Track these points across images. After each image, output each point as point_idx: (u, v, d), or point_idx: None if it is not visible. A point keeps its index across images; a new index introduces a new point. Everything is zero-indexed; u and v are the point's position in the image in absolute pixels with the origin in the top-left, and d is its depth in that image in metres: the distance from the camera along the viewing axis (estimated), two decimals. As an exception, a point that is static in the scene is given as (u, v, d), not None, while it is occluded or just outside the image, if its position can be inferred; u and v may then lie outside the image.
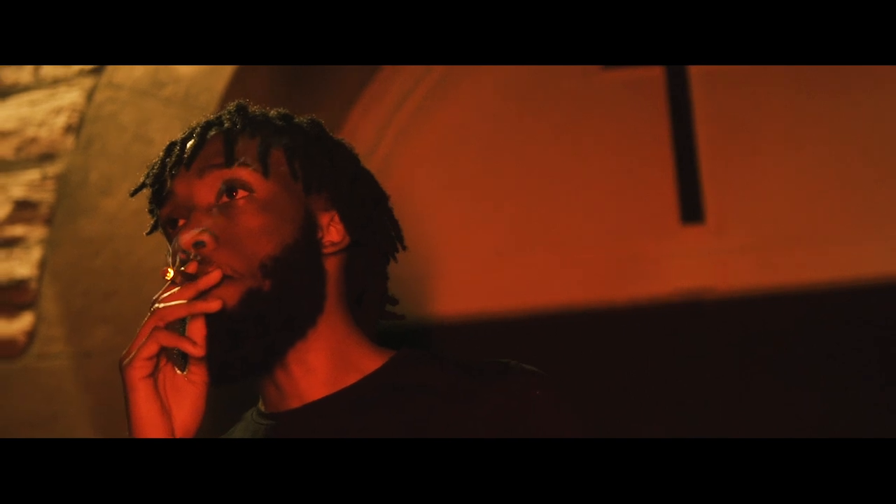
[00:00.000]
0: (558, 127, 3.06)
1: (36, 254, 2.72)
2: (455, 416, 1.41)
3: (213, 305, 1.38)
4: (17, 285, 2.71)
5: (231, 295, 1.39)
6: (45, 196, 2.75)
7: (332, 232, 1.50)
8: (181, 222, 1.46)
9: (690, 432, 2.78)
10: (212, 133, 1.49)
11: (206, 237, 1.41)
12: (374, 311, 1.59)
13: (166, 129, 2.67)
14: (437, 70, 3.09)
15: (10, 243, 2.76)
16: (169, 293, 1.40)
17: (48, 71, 2.87)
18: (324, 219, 1.50)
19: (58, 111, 2.81)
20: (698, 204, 2.95)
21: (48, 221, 2.74)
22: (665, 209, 2.94)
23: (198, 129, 1.51)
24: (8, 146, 2.84)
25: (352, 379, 1.47)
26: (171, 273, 1.41)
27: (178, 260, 1.42)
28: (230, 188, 1.45)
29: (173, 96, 2.72)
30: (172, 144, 1.51)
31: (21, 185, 2.79)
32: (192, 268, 1.40)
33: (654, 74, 2.99)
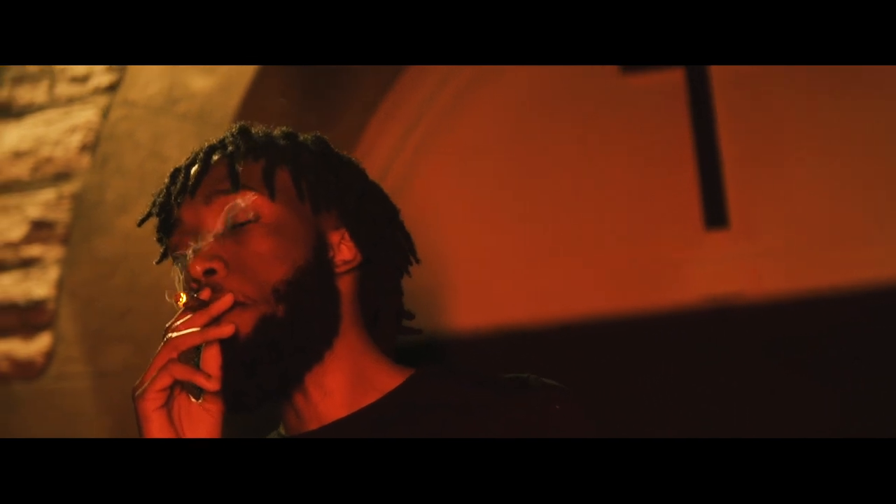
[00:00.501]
0: (579, 133, 3.02)
1: (53, 274, 2.71)
2: (475, 433, 1.39)
3: (227, 331, 1.36)
4: (35, 306, 2.70)
5: (245, 322, 1.37)
6: (62, 216, 2.74)
7: (344, 250, 1.47)
8: (190, 250, 1.44)
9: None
10: (215, 158, 1.47)
11: (216, 264, 1.39)
12: (390, 327, 1.56)
13: (182, 145, 2.65)
14: (460, 74, 3.06)
15: (28, 264, 2.75)
16: (181, 321, 1.38)
17: (63, 90, 2.86)
18: (334, 237, 1.47)
19: (73, 130, 2.80)
20: (722, 208, 2.90)
21: (65, 241, 2.72)
22: (688, 214, 2.89)
23: (201, 155, 1.48)
24: (24, 166, 2.83)
25: (370, 398, 1.45)
26: (183, 299, 1.39)
27: (189, 288, 1.40)
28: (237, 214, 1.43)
29: (188, 112, 2.70)
30: (177, 171, 1.49)
31: (37, 204, 2.78)
32: (204, 294, 1.38)
33: (676, 77, 2.95)
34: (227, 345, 1.36)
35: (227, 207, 1.42)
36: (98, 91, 2.82)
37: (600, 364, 2.84)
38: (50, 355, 2.66)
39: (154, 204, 1.50)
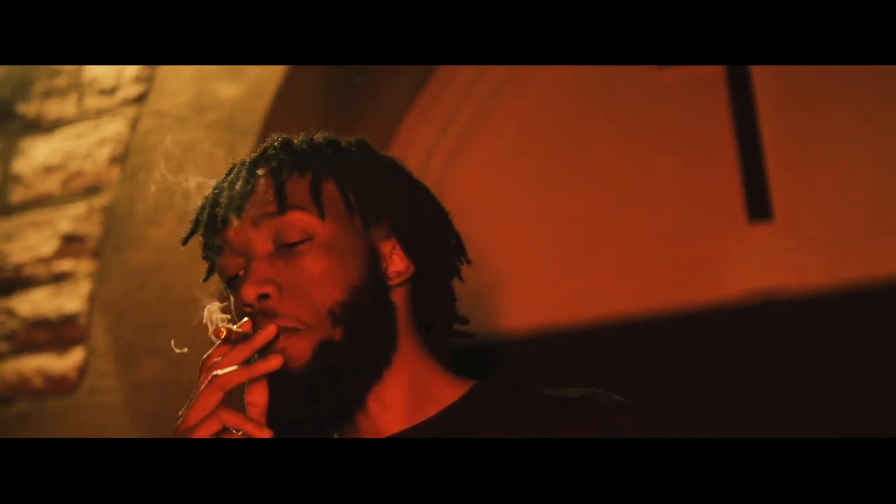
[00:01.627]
0: (617, 128, 2.97)
1: (85, 288, 2.70)
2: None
3: (274, 363, 1.33)
4: (68, 321, 2.70)
5: (301, 349, 1.34)
6: (93, 229, 2.73)
7: (396, 261, 1.44)
8: (240, 272, 1.40)
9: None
10: (260, 174, 1.42)
11: (269, 288, 1.36)
12: (445, 334, 1.51)
13: (211, 154, 2.63)
14: (494, 73, 3.01)
15: (59, 279, 2.75)
16: (222, 354, 1.35)
17: (92, 102, 2.85)
18: (385, 248, 1.44)
19: (102, 143, 2.80)
20: (766, 201, 2.84)
21: (96, 254, 2.72)
22: (731, 208, 2.83)
23: (244, 172, 1.43)
24: (54, 181, 2.83)
25: (430, 411, 1.42)
26: (224, 333, 1.36)
27: (242, 312, 1.37)
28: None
29: (216, 121, 2.68)
30: (219, 189, 1.45)
31: (68, 219, 2.78)
32: (245, 326, 1.35)
33: (715, 69, 2.89)
34: (282, 374, 1.33)
35: (276, 229, 1.38)
36: (126, 102, 2.81)
37: (641, 363, 2.79)
38: (83, 370, 2.65)
39: (197, 222, 1.47)
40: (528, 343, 2.91)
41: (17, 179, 2.88)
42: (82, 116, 2.85)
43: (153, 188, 2.68)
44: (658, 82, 2.93)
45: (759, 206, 2.84)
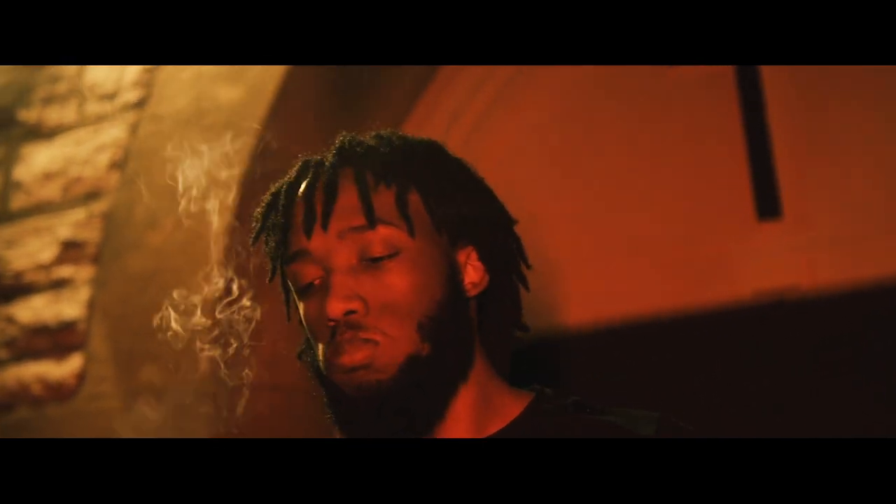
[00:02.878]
0: (625, 127, 2.93)
1: (84, 294, 2.68)
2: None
3: None
4: (67, 327, 2.68)
5: (387, 362, 1.32)
6: (92, 235, 2.72)
7: (471, 271, 1.41)
8: (315, 281, 1.37)
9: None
10: (342, 182, 1.37)
11: (357, 304, 1.33)
12: (508, 344, 1.48)
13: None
14: (499, 72, 2.98)
15: (59, 285, 2.73)
16: None
17: (92, 108, 2.84)
18: (461, 257, 1.41)
19: (102, 148, 2.78)
20: (775, 199, 2.79)
21: (95, 260, 2.69)
22: (740, 206, 2.79)
23: (324, 178, 1.38)
24: (54, 187, 2.81)
25: (495, 426, 1.40)
26: None
27: (325, 326, 1.34)
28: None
29: (215, 124, 2.65)
30: (291, 190, 1.40)
31: (68, 225, 2.76)
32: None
33: (725, 67, 2.85)
34: (369, 387, 1.31)
35: (362, 243, 1.35)
36: (126, 107, 2.79)
37: (651, 363, 2.74)
38: (82, 376, 2.62)
39: (266, 224, 1.42)
40: (536, 343, 2.87)
41: (18, 186, 2.87)
42: (83, 122, 2.84)
43: (151, 193, 2.67)
44: (667, 81, 2.89)
45: (768, 204, 2.79)
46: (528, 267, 1.50)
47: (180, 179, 2.63)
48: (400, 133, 1.45)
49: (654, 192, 2.86)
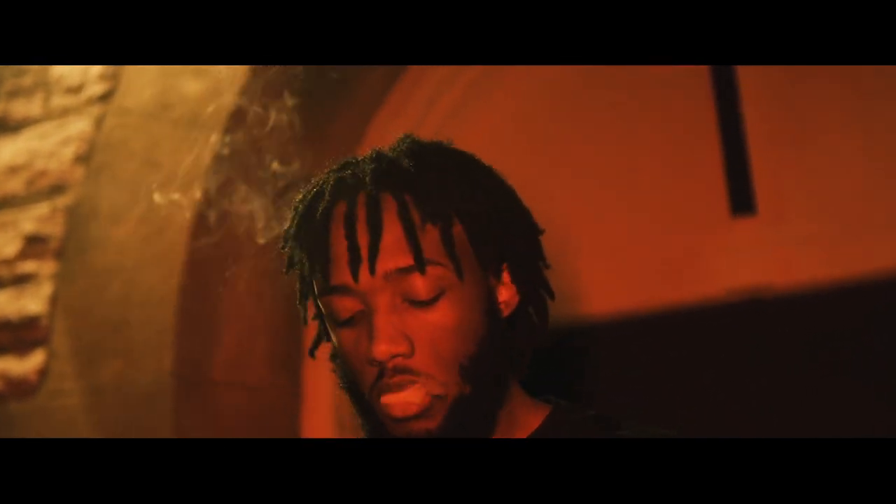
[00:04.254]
0: (599, 120, 2.90)
1: (47, 289, 2.64)
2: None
3: None
4: (29, 322, 2.64)
5: (437, 410, 1.30)
6: (56, 229, 2.68)
7: (503, 291, 1.37)
8: (357, 316, 1.32)
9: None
10: (383, 214, 1.31)
11: (404, 347, 1.29)
12: (530, 357, 1.43)
13: (175, 151, 2.57)
14: (468, 72, 2.94)
15: (22, 280, 2.70)
16: None
17: (58, 101, 2.80)
18: (493, 280, 1.36)
19: (67, 142, 2.74)
20: (749, 194, 2.76)
21: (59, 255, 2.65)
22: (713, 201, 2.76)
23: (366, 210, 1.31)
24: (18, 181, 2.78)
25: (517, 436, 1.38)
26: None
27: (369, 363, 1.30)
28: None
29: (181, 118, 2.62)
30: (328, 214, 1.33)
31: (31, 219, 2.73)
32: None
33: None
34: (420, 436, 1.30)
35: (408, 283, 1.30)
36: (92, 101, 2.75)
37: (622, 361, 2.71)
38: (44, 372, 2.59)
39: (300, 253, 1.36)
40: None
41: (-18, 180, 2.83)
42: (48, 116, 2.80)
43: (116, 187, 2.64)
44: (642, 75, 2.86)
45: (742, 198, 2.76)
46: (547, 267, 1.45)
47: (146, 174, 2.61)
48: (430, 144, 1.40)
49: (626, 187, 2.83)
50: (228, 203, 2.56)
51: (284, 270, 1.40)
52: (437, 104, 2.95)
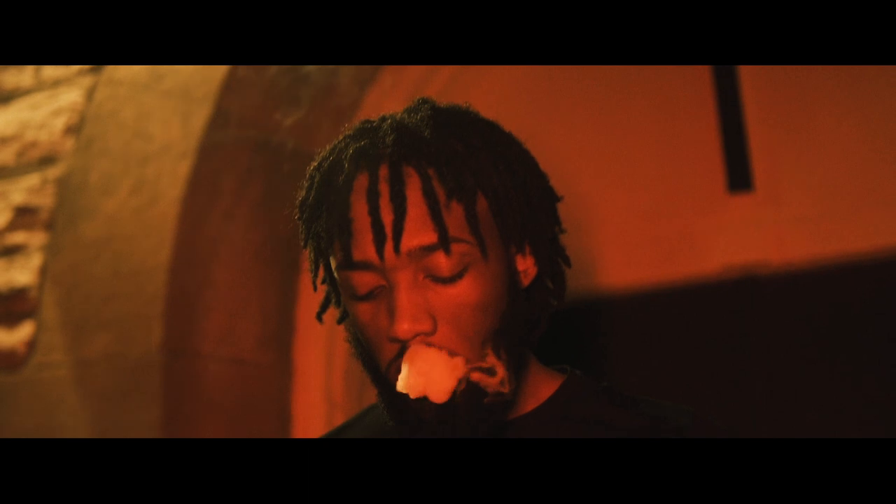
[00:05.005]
0: (596, 96, 2.87)
1: (36, 260, 2.61)
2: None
3: None
4: (18, 294, 2.61)
5: (458, 388, 1.27)
6: (46, 201, 2.65)
7: (521, 261, 1.34)
8: (376, 291, 1.30)
9: (750, 422, 2.57)
10: (407, 190, 1.28)
11: (426, 325, 1.27)
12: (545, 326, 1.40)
13: (166, 122, 2.54)
14: (446, 71, 2.89)
15: (11, 251, 2.67)
16: None
17: (49, 72, 2.77)
18: (514, 249, 1.33)
19: (58, 113, 2.71)
20: (746, 171, 2.74)
21: (49, 227, 2.62)
22: (710, 178, 2.73)
23: (389, 185, 1.28)
24: (9, 152, 2.75)
25: (530, 405, 1.37)
26: None
27: (389, 339, 1.28)
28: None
29: (172, 89, 2.59)
30: (347, 185, 1.30)
31: (21, 191, 2.70)
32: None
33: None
34: (438, 408, 1.27)
35: (431, 260, 1.27)
36: (83, 72, 2.72)
37: (617, 339, 2.69)
38: (32, 345, 2.56)
39: (318, 225, 1.33)
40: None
41: (-28, 152, 2.80)
42: (39, 86, 2.77)
43: (107, 158, 2.61)
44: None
45: (739, 175, 2.74)
46: (563, 232, 1.42)
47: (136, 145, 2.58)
48: (450, 110, 1.36)
49: (622, 163, 2.81)
50: (220, 175, 2.53)
51: (302, 243, 1.37)
52: (431, 80, 2.92)
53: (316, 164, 1.36)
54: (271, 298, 2.61)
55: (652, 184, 2.78)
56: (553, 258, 1.39)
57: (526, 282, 1.34)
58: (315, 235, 1.33)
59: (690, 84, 2.78)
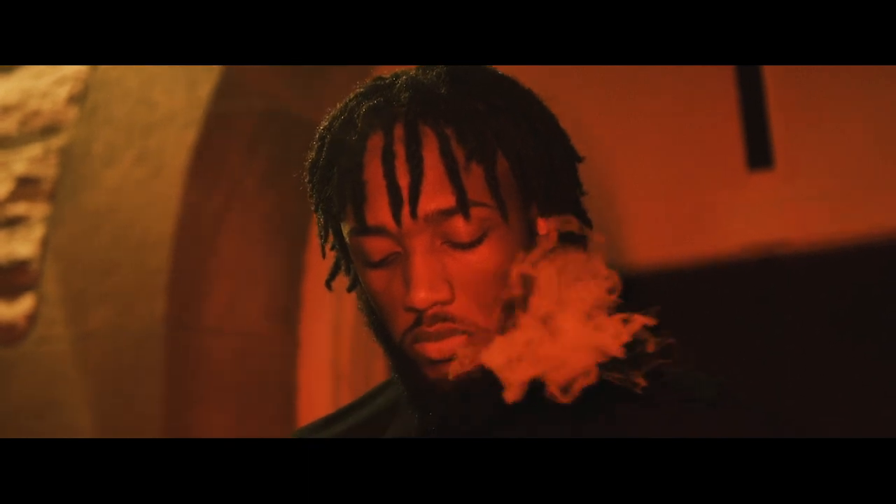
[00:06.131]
0: (615, 72, 2.80)
1: (38, 232, 2.56)
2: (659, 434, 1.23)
3: None
4: (18, 266, 2.56)
5: (475, 354, 1.21)
6: (48, 171, 2.60)
7: (543, 224, 1.28)
8: (390, 257, 1.23)
9: (773, 401, 2.51)
10: (424, 151, 1.21)
11: (444, 293, 1.21)
12: None
13: (171, 90, 2.48)
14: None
15: (13, 223, 2.62)
16: None
17: (53, 40, 2.70)
18: (534, 212, 1.28)
19: (61, 81, 2.66)
20: (767, 147, 2.67)
21: (51, 197, 2.56)
22: (730, 155, 2.67)
23: (405, 145, 1.22)
24: (11, 121, 2.70)
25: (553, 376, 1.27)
26: None
27: (404, 308, 1.22)
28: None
29: (179, 57, 2.52)
30: (360, 145, 1.23)
31: (23, 160, 2.64)
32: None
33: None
34: (460, 381, 1.21)
35: (449, 225, 1.21)
36: (88, 39, 2.65)
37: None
38: (33, 318, 2.51)
39: (332, 195, 1.25)
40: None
41: (-26, 121, 2.75)
42: (43, 55, 2.71)
43: (111, 127, 2.55)
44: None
45: (759, 152, 2.68)
46: (584, 194, 1.37)
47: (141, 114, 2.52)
48: (467, 67, 1.29)
49: (638, 137, 2.75)
50: (226, 145, 2.48)
51: (312, 207, 1.30)
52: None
53: (326, 123, 1.29)
54: (278, 270, 2.56)
55: (671, 160, 2.72)
56: (577, 221, 1.31)
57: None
58: (326, 199, 1.27)
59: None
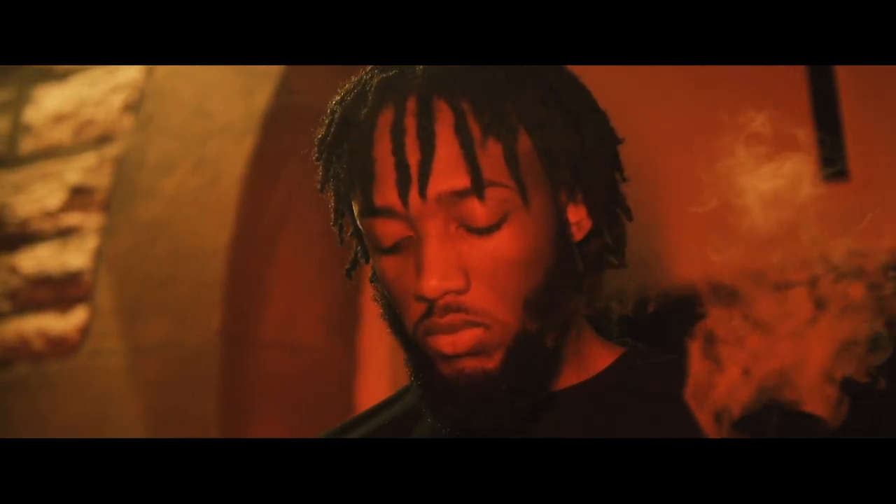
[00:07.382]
0: (682, 72, 2.73)
1: (91, 243, 2.53)
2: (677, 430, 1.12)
3: None
4: (71, 278, 2.53)
5: (493, 346, 1.13)
6: (103, 181, 2.57)
7: (574, 211, 1.18)
8: (403, 241, 1.15)
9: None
10: (437, 126, 1.13)
11: (458, 282, 1.12)
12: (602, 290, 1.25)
13: (228, 99, 2.44)
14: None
15: (65, 233, 2.59)
16: None
17: (108, 48, 2.67)
18: (564, 196, 1.18)
19: (116, 90, 2.63)
20: (842, 160, 2.60)
21: (105, 208, 2.53)
22: (803, 166, 2.58)
23: (417, 119, 1.13)
24: (65, 130, 2.68)
25: (583, 376, 1.22)
26: None
27: (415, 299, 1.14)
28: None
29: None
30: (370, 120, 1.15)
31: (77, 170, 2.61)
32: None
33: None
34: (476, 378, 1.13)
35: (464, 207, 1.13)
36: (143, 48, 2.62)
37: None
38: (85, 331, 2.47)
39: (341, 173, 1.18)
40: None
41: (28, 129, 2.72)
42: (99, 62, 2.68)
43: (166, 137, 2.51)
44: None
45: (833, 164, 2.59)
46: (625, 181, 1.26)
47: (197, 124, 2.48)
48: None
49: (704, 146, 2.67)
50: (283, 154, 2.42)
51: (318, 187, 1.22)
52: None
53: (339, 97, 1.21)
54: (335, 282, 2.50)
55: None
56: (611, 209, 1.22)
57: (579, 235, 1.19)
58: (335, 177, 1.19)
59: (783, 67, 2.64)
